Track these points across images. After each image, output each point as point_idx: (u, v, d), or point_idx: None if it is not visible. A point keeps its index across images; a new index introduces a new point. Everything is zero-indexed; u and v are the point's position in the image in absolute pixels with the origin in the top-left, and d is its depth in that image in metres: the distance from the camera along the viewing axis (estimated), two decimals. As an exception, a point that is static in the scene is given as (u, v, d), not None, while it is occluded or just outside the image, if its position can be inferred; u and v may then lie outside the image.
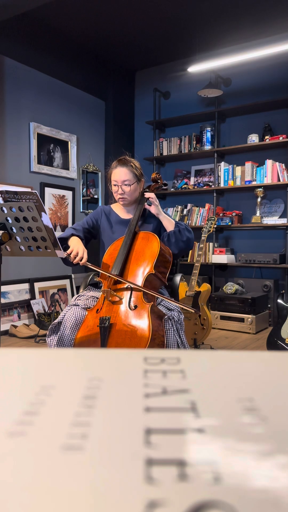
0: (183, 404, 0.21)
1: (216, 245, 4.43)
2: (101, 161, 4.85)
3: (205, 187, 4.49)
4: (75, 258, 1.76)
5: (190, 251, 4.44)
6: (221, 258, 4.21)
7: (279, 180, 4.00)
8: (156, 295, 1.73)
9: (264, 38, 4.12)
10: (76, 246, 1.80)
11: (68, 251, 1.76)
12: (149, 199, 1.97)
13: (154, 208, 1.97)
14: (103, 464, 0.16)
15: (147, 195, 1.98)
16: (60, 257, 1.72)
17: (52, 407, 0.21)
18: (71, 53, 4.34)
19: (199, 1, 3.57)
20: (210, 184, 4.51)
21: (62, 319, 1.75)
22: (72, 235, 1.93)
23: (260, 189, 4.09)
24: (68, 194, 4.40)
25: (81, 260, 1.77)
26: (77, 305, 1.79)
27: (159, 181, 2.17)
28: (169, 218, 2.00)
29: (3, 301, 3.64)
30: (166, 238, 1.96)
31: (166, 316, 1.70)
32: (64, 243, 1.88)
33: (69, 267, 1.92)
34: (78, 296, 1.90)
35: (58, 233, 4.21)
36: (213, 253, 4.29)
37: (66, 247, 1.83)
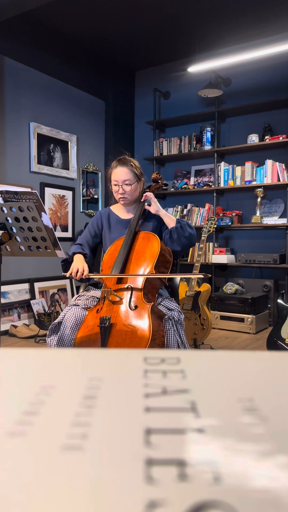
0: (183, 404, 0.21)
1: (216, 245, 4.43)
2: (101, 161, 4.85)
3: (205, 187, 4.49)
4: (76, 274, 1.85)
5: (190, 251, 4.44)
6: (221, 258, 4.21)
7: (279, 180, 4.00)
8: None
9: (264, 38, 4.12)
10: (76, 264, 1.88)
11: (69, 272, 1.87)
12: (147, 197, 1.97)
13: (154, 206, 1.96)
14: (103, 464, 0.16)
15: (144, 197, 1.98)
16: (66, 275, 1.88)
17: (52, 407, 0.21)
18: (71, 53, 4.33)
19: (199, 1, 3.57)
20: (210, 184, 4.51)
21: (62, 319, 1.75)
22: (73, 254, 1.98)
23: (260, 189, 4.09)
24: (68, 194, 4.39)
25: (83, 274, 1.85)
26: (77, 305, 1.79)
27: (159, 181, 2.17)
28: (170, 215, 1.99)
29: (3, 301, 3.64)
30: (168, 235, 1.93)
31: (166, 316, 1.70)
32: (68, 265, 1.97)
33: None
34: (78, 296, 1.90)
35: (58, 233, 4.22)
36: (213, 253, 4.29)
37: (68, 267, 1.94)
